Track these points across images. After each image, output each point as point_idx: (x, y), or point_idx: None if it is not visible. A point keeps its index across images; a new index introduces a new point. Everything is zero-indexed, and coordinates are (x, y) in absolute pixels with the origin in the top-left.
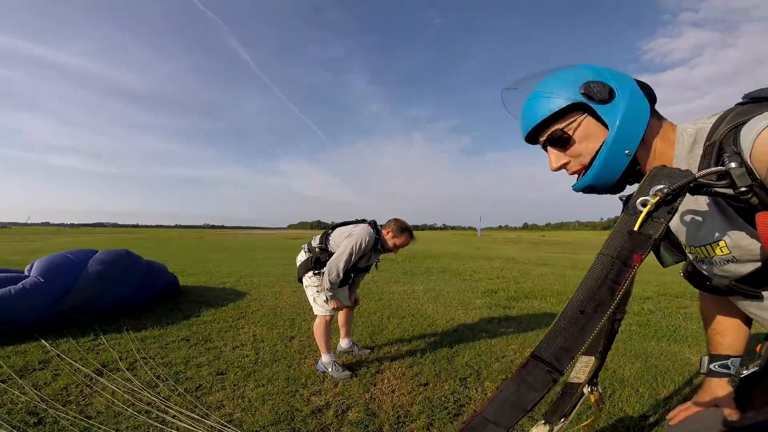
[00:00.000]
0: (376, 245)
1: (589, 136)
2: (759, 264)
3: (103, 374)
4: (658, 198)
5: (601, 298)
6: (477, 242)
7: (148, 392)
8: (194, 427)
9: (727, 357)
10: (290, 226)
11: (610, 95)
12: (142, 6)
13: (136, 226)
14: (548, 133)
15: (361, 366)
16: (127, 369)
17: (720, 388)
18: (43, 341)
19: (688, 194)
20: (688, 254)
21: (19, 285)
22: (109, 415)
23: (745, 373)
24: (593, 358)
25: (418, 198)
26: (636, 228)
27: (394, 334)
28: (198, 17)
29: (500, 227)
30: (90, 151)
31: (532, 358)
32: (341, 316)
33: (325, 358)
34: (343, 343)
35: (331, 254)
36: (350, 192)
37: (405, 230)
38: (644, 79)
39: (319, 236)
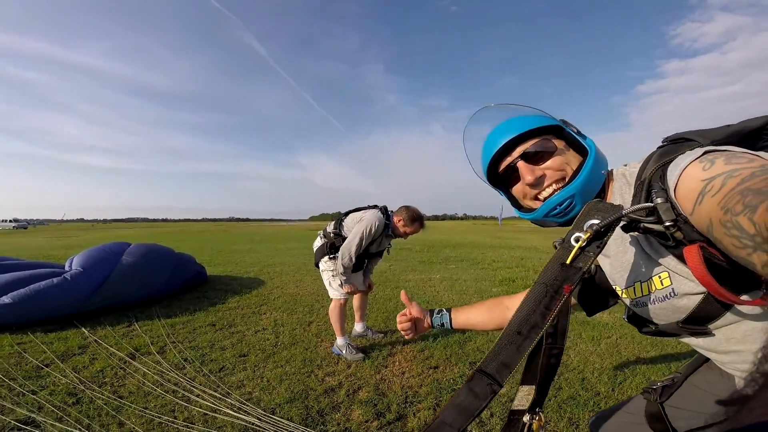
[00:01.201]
0: (387, 230)
1: (566, 154)
2: (698, 297)
3: (135, 358)
4: (589, 234)
5: (535, 321)
6: (498, 232)
7: (176, 373)
8: (216, 405)
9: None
10: (312, 218)
11: (579, 134)
12: (158, 5)
13: (165, 220)
14: (531, 144)
15: (373, 349)
16: (157, 352)
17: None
18: (82, 328)
19: (623, 235)
20: (624, 299)
21: (62, 277)
22: (139, 395)
23: (658, 386)
24: (533, 387)
25: (437, 187)
26: (568, 261)
27: None
28: (213, 14)
29: None
30: (117, 150)
31: (477, 372)
32: (356, 300)
33: (339, 340)
34: (358, 327)
35: (345, 239)
36: (369, 183)
37: (416, 220)
38: (675, 65)
39: (333, 222)
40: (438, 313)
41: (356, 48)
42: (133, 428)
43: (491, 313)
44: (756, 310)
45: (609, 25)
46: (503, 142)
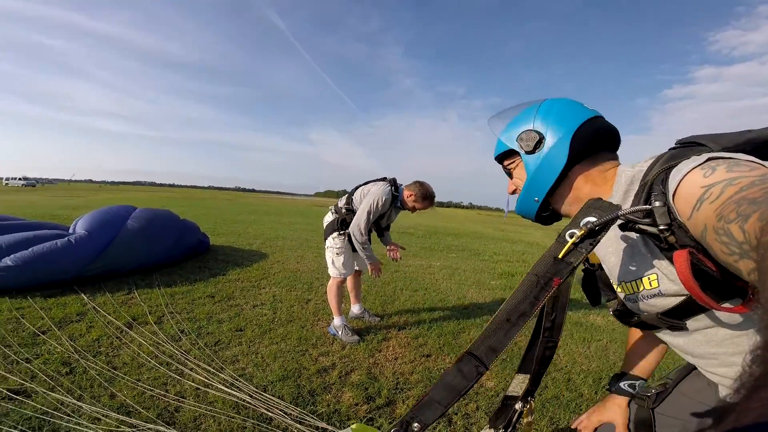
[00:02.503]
0: (395, 203)
1: (521, 175)
2: (682, 298)
3: (132, 327)
4: (583, 231)
5: (524, 310)
6: (502, 224)
7: (172, 345)
8: (209, 380)
9: (636, 378)
10: (317, 194)
11: (536, 146)
12: None
13: (172, 185)
14: (503, 164)
15: (369, 332)
16: (155, 323)
17: (622, 408)
18: (81, 294)
19: (620, 232)
20: (618, 293)
21: (65, 239)
22: (133, 366)
23: (652, 392)
24: (528, 376)
25: (446, 174)
26: (560, 255)
27: (405, 305)
28: None
29: None
30: (132, 116)
31: (466, 354)
32: (349, 282)
33: (336, 320)
34: (355, 308)
35: (354, 212)
36: (378, 164)
37: (427, 198)
38: (707, 71)
39: (345, 197)
40: (629, 386)
41: (377, 29)
42: (124, 400)
43: (648, 338)
44: (735, 317)
45: (646, 27)
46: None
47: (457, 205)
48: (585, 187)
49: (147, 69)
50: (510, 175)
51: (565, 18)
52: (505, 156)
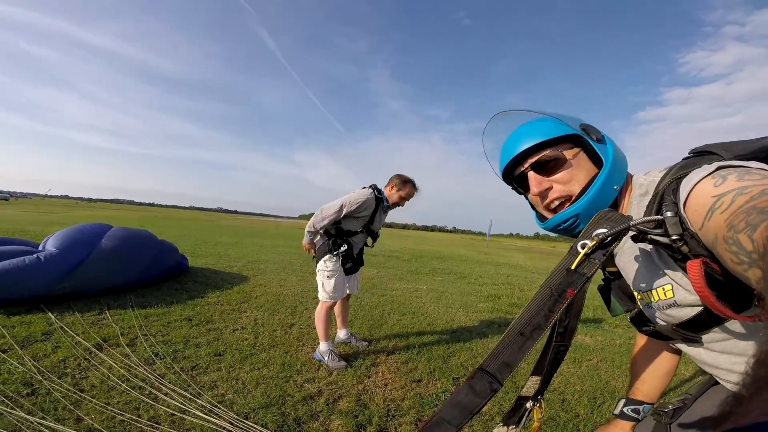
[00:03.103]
0: (382, 205)
1: (580, 167)
2: (699, 309)
3: (102, 349)
4: (595, 242)
5: (538, 323)
6: (486, 247)
7: (144, 369)
8: (185, 406)
9: (641, 403)
10: (301, 216)
11: (602, 139)
12: None
13: (152, 204)
14: (541, 155)
15: (356, 357)
16: (127, 345)
17: (621, 429)
18: (48, 313)
19: (635, 243)
20: (638, 299)
21: (34, 256)
22: (102, 389)
23: (669, 408)
24: (540, 378)
25: (430, 198)
26: (573, 267)
27: (393, 329)
28: (229, 3)
29: (511, 234)
30: (113, 130)
31: (478, 370)
32: (337, 306)
33: (323, 346)
34: (341, 333)
35: (342, 229)
36: (363, 186)
37: (407, 181)
38: (678, 93)
39: None
40: (633, 411)
41: (365, 51)
42: (92, 425)
43: (651, 360)
44: (752, 328)
45: (618, 50)
46: (514, 154)
47: (441, 229)
48: (625, 190)
49: (132, 82)
50: (548, 166)
51: (545, 41)
52: (556, 142)
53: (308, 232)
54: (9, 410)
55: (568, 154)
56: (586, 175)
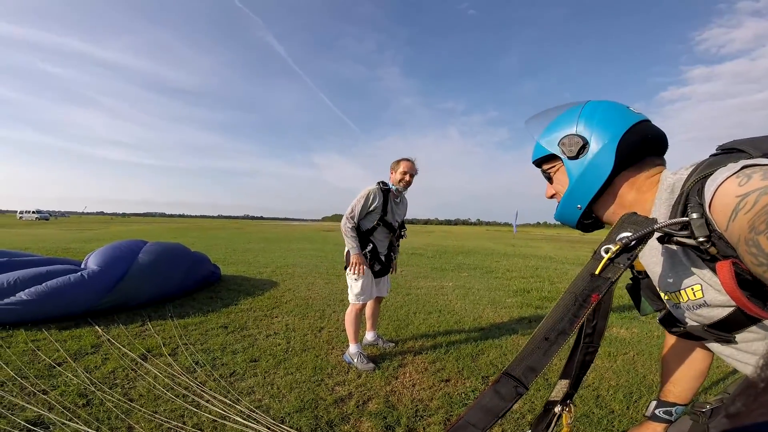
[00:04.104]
0: (391, 197)
1: (561, 181)
2: (730, 309)
3: (147, 359)
4: (618, 246)
5: (563, 328)
6: (512, 239)
7: (187, 377)
8: (225, 412)
9: (673, 405)
10: (324, 218)
11: (580, 151)
12: (182, 3)
13: (182, 215)
14: (541, 170)
15: (384, 359)
16: (169, 354)
17: (653, 431)
18: (96, 326)
19: (662, 244)
20: (665, 300)
21: (78, 274)
22: (149, 398)
23: (707, 408)
24: (568, 381)
25: (452, 193)
26: (597, 272)
27: (419, 329)
28: (236, 14)
29: (538, 224)
30: (138, 144)
31: (504, 374)
32: (368, 308)
33: (352, 348)
34: (369, 335)
35: (361, 230)
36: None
37: (399, 161)
38: (700, 71)
39: None
40: (665, 413)
41: (373, 50)
42: None
43: (682, 360)
44: None
45: (633, 31)
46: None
47: (465, 222)
48: (629, 194)
49: (151, 96)
50: (549, 179)
51: (556, 26)
52: (544, 160)
53: (347, 236)
54: (66, 421)
55: (553, 170)
56: (563, 189)
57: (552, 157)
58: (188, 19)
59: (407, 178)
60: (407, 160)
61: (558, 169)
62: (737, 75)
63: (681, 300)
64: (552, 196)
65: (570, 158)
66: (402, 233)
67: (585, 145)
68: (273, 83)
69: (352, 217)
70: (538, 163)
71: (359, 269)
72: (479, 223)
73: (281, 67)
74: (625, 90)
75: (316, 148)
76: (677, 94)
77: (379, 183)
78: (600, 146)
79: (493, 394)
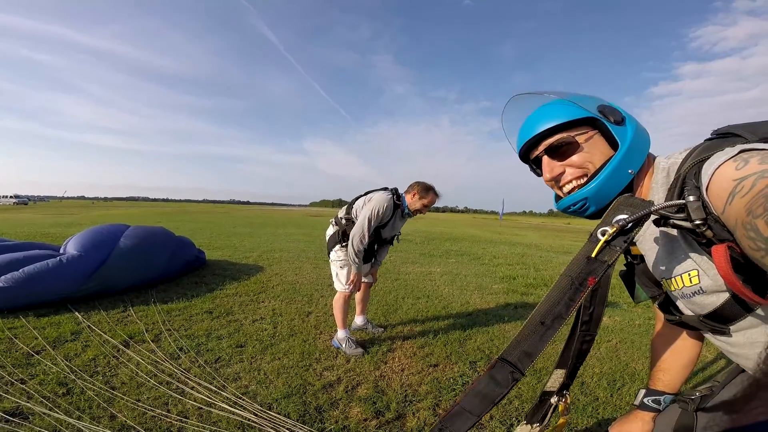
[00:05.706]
0: (398, 211)
1: (594, 150)
2: (726, 296)
3: (129, 346)
4: (615, 229)
5: (559, 312)
6: (498, 226)
7: (171, 364)
8: (211, 399)
9: (662, 393)
10: (312, 204)
11: (622, 121)
12: None
13: (166, 200)
14: (554, 139)
15: (373, 344)
16: (152, 341)
17: (644, 422)
18: (75, 313)
19: (658, 228)
20: (664, 287)
21: (57, 259)
22: (132, 386)
23: (696, 395)
24: (564, 371)
25: (441, 180)
26: (593, 254)
27: (408, 314)
28: (228, 0)
29: (524, 212)
30: (124, 130)
31: (499, 360)
32: (358, 293)
33: (340, 333)
34: (358, 320)
35: (353, 222)
36: (372, 172)
37: (430, 189)
38: (691, 68)
39: (345, 208)
40: (654, 401)
41: (367, 38)
42: (125, 421)
43: (672, 349)
44: None
45: (627, 25)
46: (528, 137)
47: (453, 210)
48: (645, 174)
49: (139, 83)
50: (562, 150)
51: (550, 17)
52: (565, 126)
53: (356, 257)
54: (47, 411)
55: (582, 137)
56: (601, 158)
57: (577, 124)
58: (179, 5)
59: (426, 210)
60: (436, 194)
61: (591, 137)
62: (728, 73)
63: (677, 286)
64: (558, 176)
65: (615, 124)
66: (396, 238)
67: (623, 117)
68: (265, 71)
69: (363, 240)
70: (551, 132)
71: (358, 286)
72: (467, 210)
73: (273, 55)
74: (616, 82)
75: (307, 135)
76: (668, 90)
77: (392, 193)
78: (635, 122)
79: (489, 380)
